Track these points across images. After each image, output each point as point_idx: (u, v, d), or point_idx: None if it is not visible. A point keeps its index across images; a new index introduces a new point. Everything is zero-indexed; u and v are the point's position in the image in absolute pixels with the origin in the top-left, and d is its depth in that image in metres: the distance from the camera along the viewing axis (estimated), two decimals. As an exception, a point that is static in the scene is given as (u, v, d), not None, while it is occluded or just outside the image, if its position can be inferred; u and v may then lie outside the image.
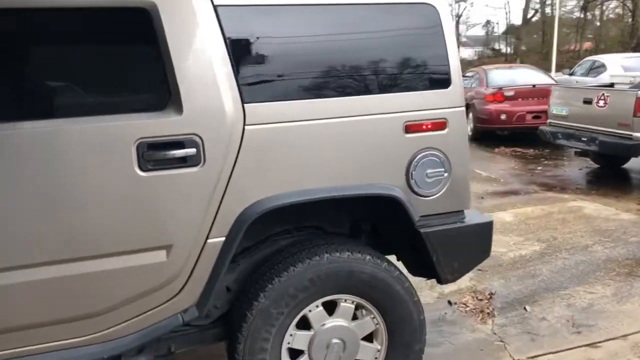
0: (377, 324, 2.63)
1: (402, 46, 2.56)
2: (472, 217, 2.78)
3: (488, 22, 47.42)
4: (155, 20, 2.17)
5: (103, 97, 2.30)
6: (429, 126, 2.57)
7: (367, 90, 2.49)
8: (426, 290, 4.22)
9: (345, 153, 2.46)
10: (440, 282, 2.77)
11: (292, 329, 2.52)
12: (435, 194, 2.63)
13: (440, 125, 2.58)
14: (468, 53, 46.46)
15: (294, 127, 2.37)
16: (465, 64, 29.79)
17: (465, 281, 4.33)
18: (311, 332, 2.55)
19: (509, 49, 43.24)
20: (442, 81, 2.60)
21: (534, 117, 10.15)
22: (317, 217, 2.84)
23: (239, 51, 2.31)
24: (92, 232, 2.15)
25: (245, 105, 2.30)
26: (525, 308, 3.86)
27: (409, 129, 2.54)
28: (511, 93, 10.48)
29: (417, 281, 4.30)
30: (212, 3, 2.26)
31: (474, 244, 2.74)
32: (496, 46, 45.85)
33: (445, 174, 2.62)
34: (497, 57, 39.73)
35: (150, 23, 2.17)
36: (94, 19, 2.18)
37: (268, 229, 2.73)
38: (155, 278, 2.27)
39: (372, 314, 2.61)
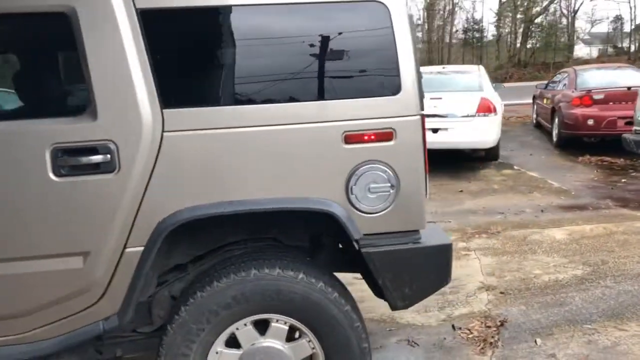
0: (313, 348, 2.44)
1: (343, 48, 2.34)
2: (430, 237, 2.49)
3: (618, 17, 43.54)
4: (74, 24, 2.15)
5: (21, 102, 2.33)
6: (373, 137, 2.33)
7: (301, 97, 2.31)
8: (434, 311, 3.91)
9: (277, 164, 2.30)
10: (391, 307, 2.51)
11: (218, 346, 2.40)
12: (381, 211, 2.38)
13: (386, 136, 2.34)
14: (586, 51, 43.14)
15: (217, 135, 2.26)
16: (581, 63, 27.71)
17: (480, 304, 3.96)
18: (240, 352, 2.42)
19: (632, 47, 39.54)
20: (389, 87, 2.34)
21: (627, 123, 9.10)
22: (273, 228, 2.71)
23: (160, 55, 2.23)
24: (7, 235, 2.18)
25: (164, 110, 2.22)
26: (535, 341, 3.43)
27: (349, 139, 2.32)
28: (601, 96, 9.49)
29: (426, 301, 4.02)
30: (134, 6, 2.20)
31: (429, 268, 2.45)
32: (622, 44, 42.03)
33: (392, 190, 2.37)
34: (619, 56, 36.47)
35: (69, 27, 2.15)
36: (11, 24, 2.21)
37: (220, 238, 2.64)
38: (73, 284, 2.26)
39: (308, 337, 2.42)
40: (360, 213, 2.37)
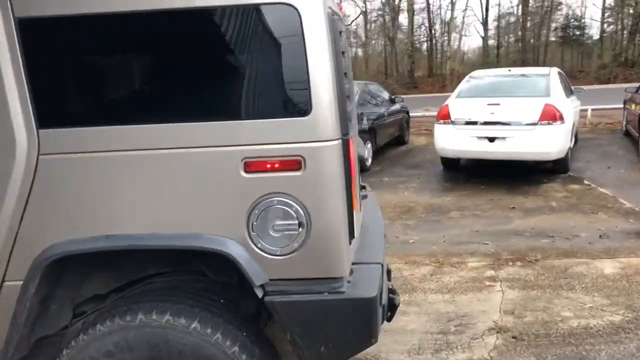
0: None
1: (243, 60, 1.98)
2: (357, 287, 2.06)
3: None
4: None
5: None
6: (277, 165, 1.95)
7: (194, 116, 1.98)
8: (428, 354, 3.42)
9: (166, 194, 1.99)
10: (304, 368, 2.11)
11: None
12: (288, 254, 1.99)
13: (292, 164, 1.94)
14: None
15: (98, 159, 1.98)
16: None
17: (483, 350, 3.41)
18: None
19: None
20: (297, 107, 1.95)
21: None
22: (196, 261, 2.40)
23: (39, 69, 1.99)
24: None
25: (40, 131, 1.98)
26: (533, 406, 2.85)
27: (250, 167, 1.96)
28: (696, 103, 8.25)
29: (423, 339, 3.52)
30: (13, 15, 1.97)
31: (348, 324, 2.02)
32: None
33: (301, 229, 1.97)
34: None
35: None
36: None
37: (140, 269, 2.38)
38: (-49, 317, 2.09)
39: (202, 397, 2.09)
40: (264, 254, 2.00)
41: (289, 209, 1.96)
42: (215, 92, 1.98)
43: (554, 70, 8.81)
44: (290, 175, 1.95)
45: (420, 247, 5.47)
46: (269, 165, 1.95)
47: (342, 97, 2.01)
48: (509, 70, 9.34)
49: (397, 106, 11.12)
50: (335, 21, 2.02)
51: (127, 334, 2.03)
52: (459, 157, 8.46)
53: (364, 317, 2.01)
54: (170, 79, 2.01)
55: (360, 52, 40.00)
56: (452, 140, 7.96)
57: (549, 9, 34.76)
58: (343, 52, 2.18)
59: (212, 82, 1.97)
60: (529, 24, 35.20)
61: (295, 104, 1.95)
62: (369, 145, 9.20)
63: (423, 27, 36.64)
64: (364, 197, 2.95)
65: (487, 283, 4.46)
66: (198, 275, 2.42)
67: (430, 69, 35.56)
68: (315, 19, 1.93)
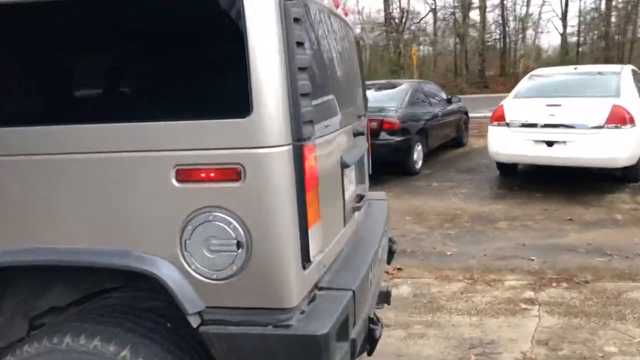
0: None
1: (173, 47, 1.71)
2: (309, 320, 1.74)
3: None
4: None
5: None
6: (212, 174, 1.66)
7: (116, 116, 1.72)
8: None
9: (93, 203, 1.76)
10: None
11: None
12: (225, 278, 1.70)
13: (229, 174, 1.65)
14: None
15: (12, 163, 1.78)
16: None
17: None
18: None
19: None
20: (235, 105, 1.65)
21: None
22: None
23: None
24: None
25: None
26: None
27: (182, 175, 1.68)
28: None
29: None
30: None
31: (294, 365, 1.71)
32: None
33: (240, 250, 1.67)
34: None
35: None
36: None
37: (97, 281, 2.18)
38: None
39: None
40: (199, 277, 1.72)
41: (226, 227, 1.67)
42: (140, 87, 1.72)
43: (627, 68, 7.96)
44: (228, 186, 1.66)
45: (457, 260, 5.02)
46: (203, 175, 1.66)
47: (296, 95, 1.69)
48: (575, 68, 8.55)
49: (453, 106, 10.53)
50: (292, 7, 1.70)
51: (53, 358, 1.81)
52: (514, 162, 7.83)
53: (312, 357, 1.69)
54: (85, 72, 1.77)
55: (429, 50, 38.96)
56: (507, 144, 7.36)
57: (635, 3, 32.29)
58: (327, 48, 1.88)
59: (135, 74, 1.72)
60: (613, 19, 32.87)
61: (232, 102, 1.65)
62: (419, 147, 8.73)
63: (496, 24, 35.15)
64: (357, 208, 2.61)
65: (523, 306, 3.97)
66: (150, 292, 2.18)
67: (502, 67, 34.00)
68: (260, 2, 1.63)
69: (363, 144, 2.93)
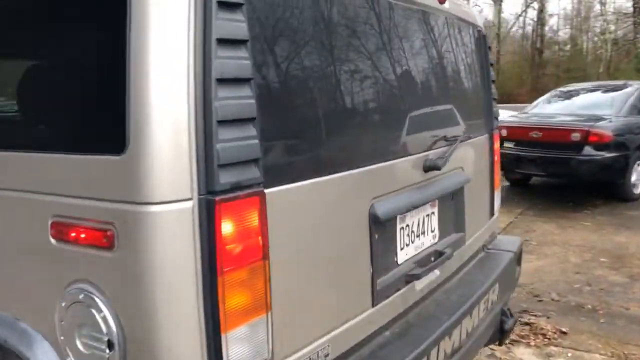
0: None
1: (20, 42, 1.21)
2: None
3: None
4: None
5: None
6: (82, 235, 1.14)
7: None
8: None
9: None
10: None
11: None
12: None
13: (98, 238, 1.10)
14: None
15: None
16: None
17: None
18: None
19: None
20: (106, 135, 1.09)
21: None
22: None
23: None
24: None
25: None
26: None
27: (56, 231, 1.20)
28: None
29: None
30: None
31: None
32: None
33: (110, 352, 1.11)
34: None
35: None
36: None
37: None
38: None
39: None
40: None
41: (96, 314, 1.13)
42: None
43: None
44: (98, 255, 1.11)
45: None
46: (74, 234, 1.14)
47: (210, 121, 1.06)
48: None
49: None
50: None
51: None
52: None
53: None
54: None
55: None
56: None
57: None
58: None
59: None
60: None
61: (102, 129, 1.09)
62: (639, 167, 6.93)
63: None
64: (425, 272, 1.82)
65: None
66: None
67: None
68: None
69: (456, 177, 2.10)
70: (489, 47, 2.54)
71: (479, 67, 2.41)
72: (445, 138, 1.98)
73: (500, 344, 2.49)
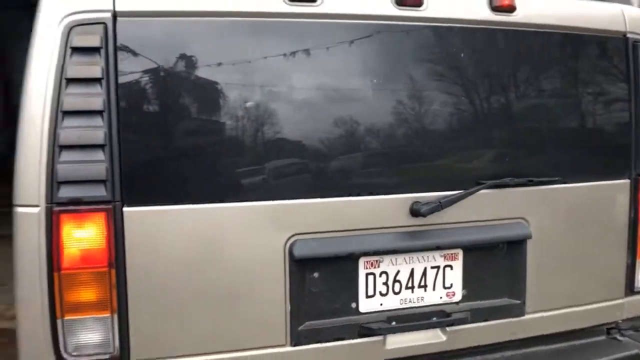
0: None
1: None
2: None
3: None
4: None
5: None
6: None
7: None
8: None
9: None
10: None
11: None
12: None
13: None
14: None
15: None
16: None
17: None
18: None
19: None
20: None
21: None
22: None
23: None
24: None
25: None
26: None
27: None
28: None
29: None
30: None
31: None
32: None
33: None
34: None
35: None
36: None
37: None
38: None
39: None
40: None
41: None
42: None
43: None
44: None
45: None
46: None
47: (51, 145, 1.33)
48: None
49: None
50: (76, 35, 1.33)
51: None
52: None
53: None
54: None
55: None
56: None
57: None
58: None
59: None
60: None
61: None
62: None
63: None
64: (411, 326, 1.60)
65: None
66: None
67: None
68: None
69: (501, 229, 1.68)
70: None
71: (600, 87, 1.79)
72: (460, 180, 1.62)
73: None
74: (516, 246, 1.72)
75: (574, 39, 1.79)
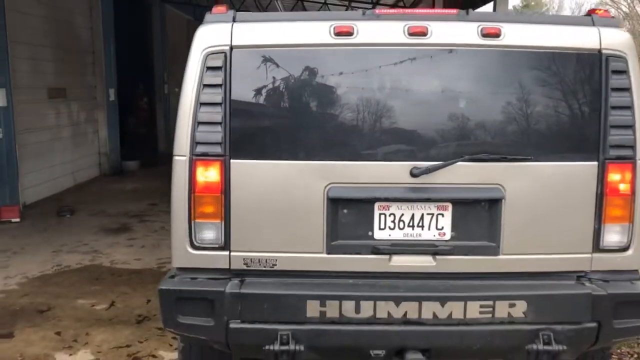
0: None
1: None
2: None
3: None
4: None
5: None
6: None
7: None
8: None
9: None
10: None
11: None
12: None
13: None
14: None
15: None
16: None
17: None
18: None
19: None
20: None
21: None
22: None
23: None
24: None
25: None
26: None
27: None
28: None
29: None
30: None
31: None
32: None
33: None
34: None
35: None
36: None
37: None
38: None
39: None
40: None
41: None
42: None
43: None
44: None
45: None
46: None
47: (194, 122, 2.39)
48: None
49: None
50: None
51: None
52: None
53: None
54: None
55: None
56: None
57: None
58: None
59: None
60: None
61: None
62: None
63: None
64: (408, 252, 2.50)
65: None
66: None
67: None
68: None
69: (481, 191, 2.39)
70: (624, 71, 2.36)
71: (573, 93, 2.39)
72: (456, 154, 2.36)
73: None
74: (493, 204, 2.42)
75: (555, 55, 2.40)
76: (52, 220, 7.47)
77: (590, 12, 2.52)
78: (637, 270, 2.55)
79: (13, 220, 7.43)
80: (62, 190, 9.23)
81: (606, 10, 2.58)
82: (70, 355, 3.82)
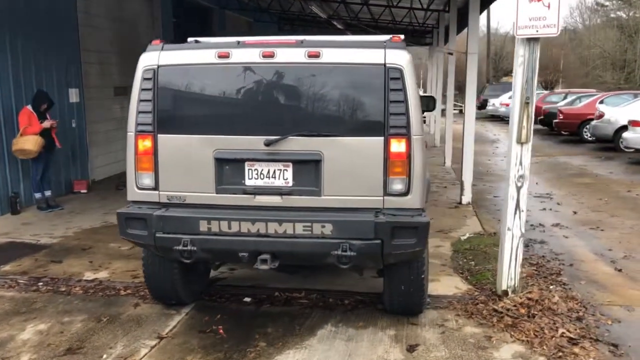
0: None
1: None
2: None
3: None
4: None
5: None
6: None
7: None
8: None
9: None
10: None
11: None
12: None
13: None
14: None
15: None
16: None
17: None
18: None
19: None
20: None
21: None
22: None
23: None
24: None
25: None
26: None
27: None
28: None
29: None
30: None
31: None
32: None
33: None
34: None
35: None
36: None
37: None
38: None
39: None
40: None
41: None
42: None
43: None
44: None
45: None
46: None
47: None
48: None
49: None
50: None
51: None
52: None
53: None
54: None
55: None
56: None
57: None
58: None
59: None
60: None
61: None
62: None
63: None
64: (265, 193, 3.93)
65: None
66: None
67: None
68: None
69: (307, 155, 3.77)
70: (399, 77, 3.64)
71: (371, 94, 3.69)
72: (296, 133, 3.74)
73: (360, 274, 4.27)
74: (317, 163, 3.78)
75: (357, 68, 3.71)
76: (111, 192, 9.45)
77: (393, 39, 3.81)
78: (422, 209, 3.83)
79: (82, 191, 9.56)
80: (124, 170, 11.21)
81: (399, 37, 3.85)
82: (94, 273, 5.59)
